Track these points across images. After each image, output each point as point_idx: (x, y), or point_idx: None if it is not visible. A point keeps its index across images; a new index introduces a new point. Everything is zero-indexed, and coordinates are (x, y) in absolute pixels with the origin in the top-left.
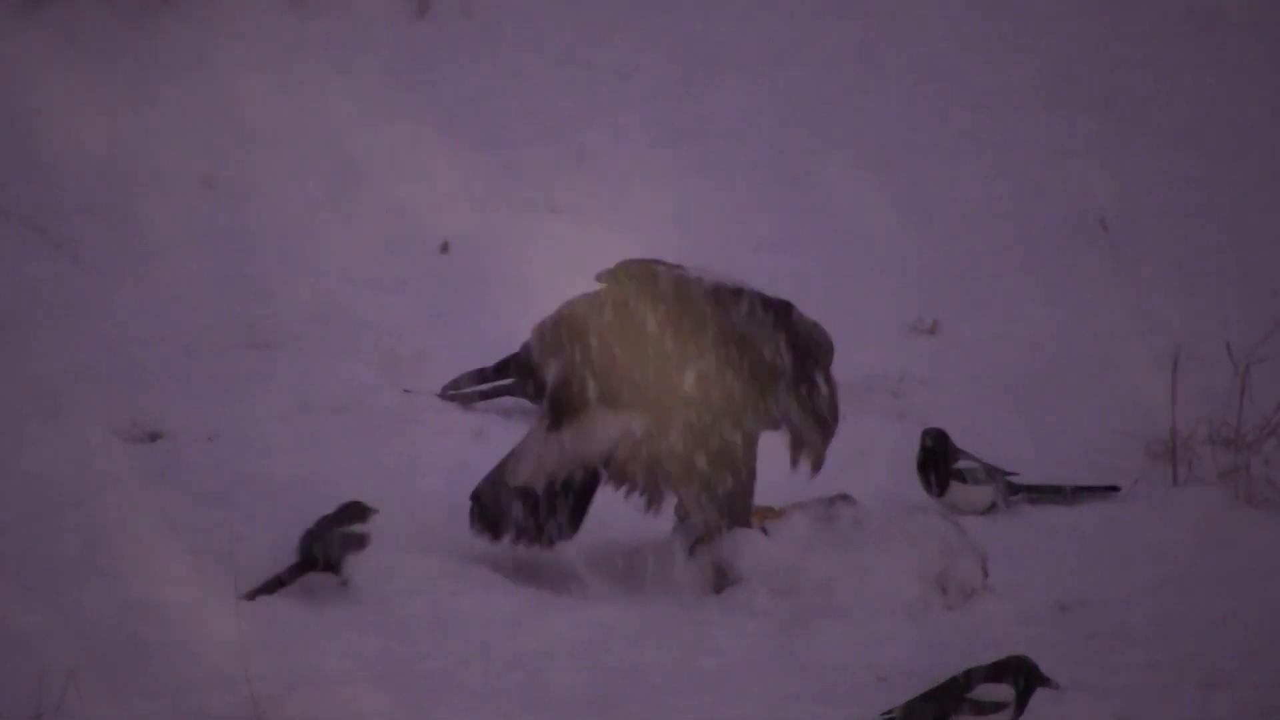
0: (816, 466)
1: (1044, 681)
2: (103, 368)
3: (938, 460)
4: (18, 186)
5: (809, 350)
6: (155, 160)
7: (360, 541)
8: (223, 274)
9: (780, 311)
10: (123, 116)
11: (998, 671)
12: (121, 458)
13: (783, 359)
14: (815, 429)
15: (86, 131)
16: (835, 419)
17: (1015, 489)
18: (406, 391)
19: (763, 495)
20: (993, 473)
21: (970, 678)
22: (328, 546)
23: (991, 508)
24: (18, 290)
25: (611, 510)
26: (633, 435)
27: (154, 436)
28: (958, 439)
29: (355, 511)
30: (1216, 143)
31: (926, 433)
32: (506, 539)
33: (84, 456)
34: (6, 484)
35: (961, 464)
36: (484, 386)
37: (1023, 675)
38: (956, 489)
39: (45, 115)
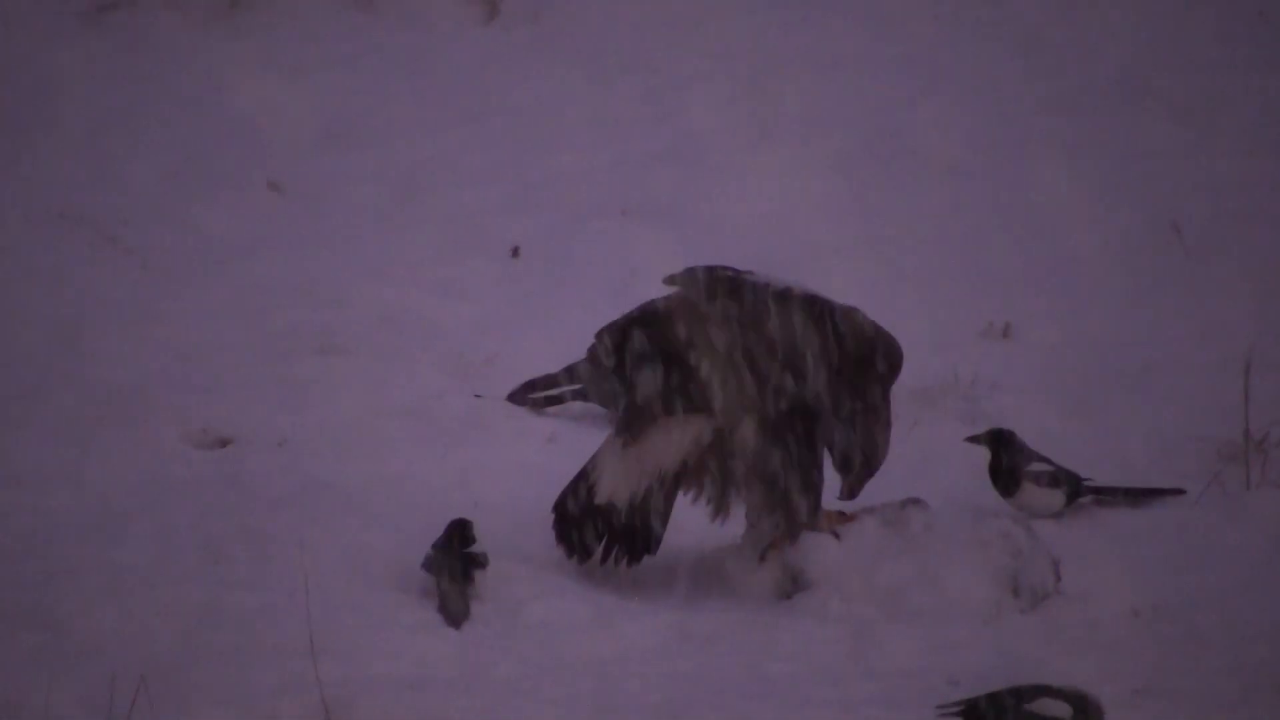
0: (850, 494)
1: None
2: (173, 374)
3: (1009, 461)
4: (87, 193)
5: (874, 360)
6: (224, 166)
7: (483, 560)
8: (292, 280)
9: (849, 318)
10: (191, 122)
11: (1063, 694)
12: (192, 464)
13: (849, 367)
14: (860, 454)
15: (155, 138)
16: (881, 456)
17: (1082, 491)
18: (477, 397)
19: (833, 500)
20: (1063, 476)
21: (1034, 691)
22: (452, 569)
23: (1061, 511)
24: (88, 297)
25: (683, 516)
26: (702, 442)
27: (224, 442)
28: (1030, 442)
29: (466, 531)
30: None
31: (996, 434)
32: (596, 558)
33: (155, 462)
34: (78, 490)
35: (1034, 466)
36: (553, 391)
37: (1086, 710)
38: (1028, 490)
39: (114, 122)
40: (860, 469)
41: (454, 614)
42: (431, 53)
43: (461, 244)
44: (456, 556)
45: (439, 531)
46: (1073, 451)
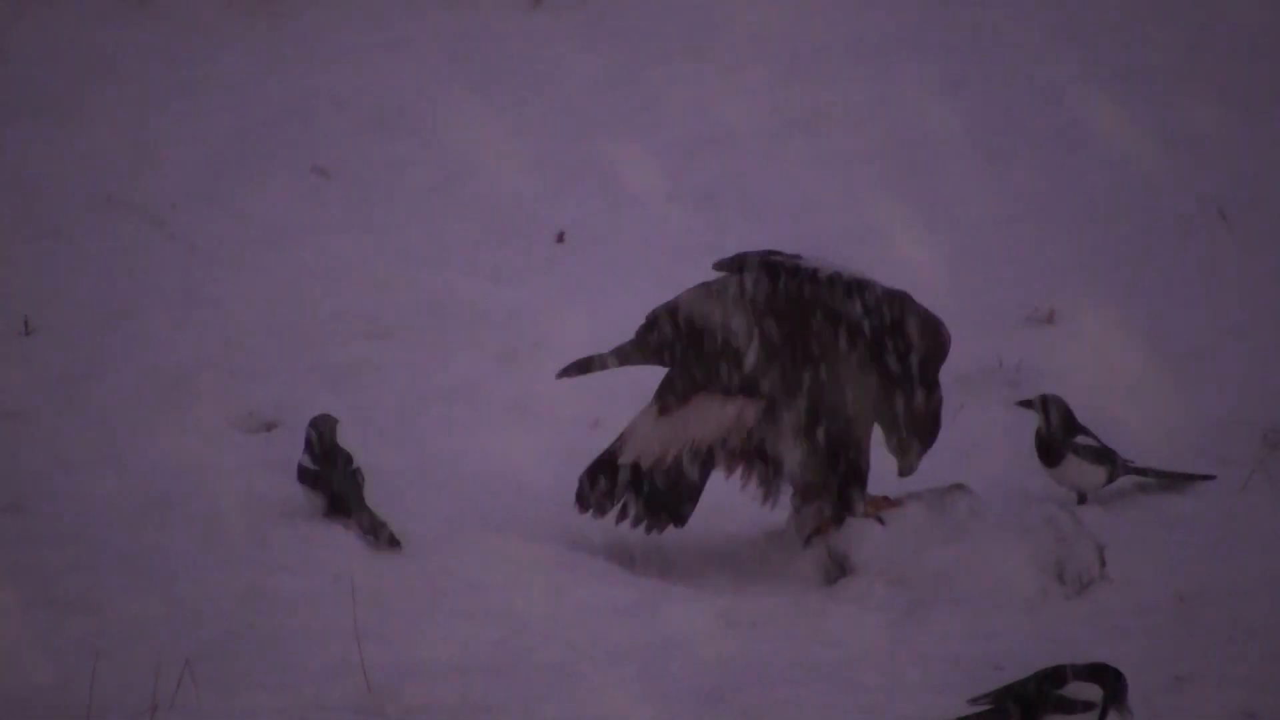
0: (906, 471)
1: (1122, 704)
2: (219, 358)
3: (1056, 431)
4: (135, 178)
5: (924, 344)
6: (270, 150)
7: (361, 476)
8: (338, 265)
9: (898, 303)
10: (237, 107)
11: (1093, 674)
12: (239, 448)
13: (897, 351)
14: (915, 433)
15: (202, 122)
16: (936, 428)
17: (1121, 469)
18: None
19: (877, 485)
20: (1106, 453)
21: (1064, 674)
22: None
23: (1100, 488)
24: (135, 280)
25: (727, 500)
26: (746, 423)
27: (270, 426)
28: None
29: (332, 434)
30: None
31: (1048, 400)
32: (611, 517)
33: (201, 446)
34: (125, 474)
35: (1080, 439)
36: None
37: (1112, 686)
38: (1071, 463)
39: (161, 106)
40: (917, 445)
41: (391, 535)
42: (477, 37)
43: (507, 229)
44: (346, 472)
45: (483, 515)
46: (1116, 437)
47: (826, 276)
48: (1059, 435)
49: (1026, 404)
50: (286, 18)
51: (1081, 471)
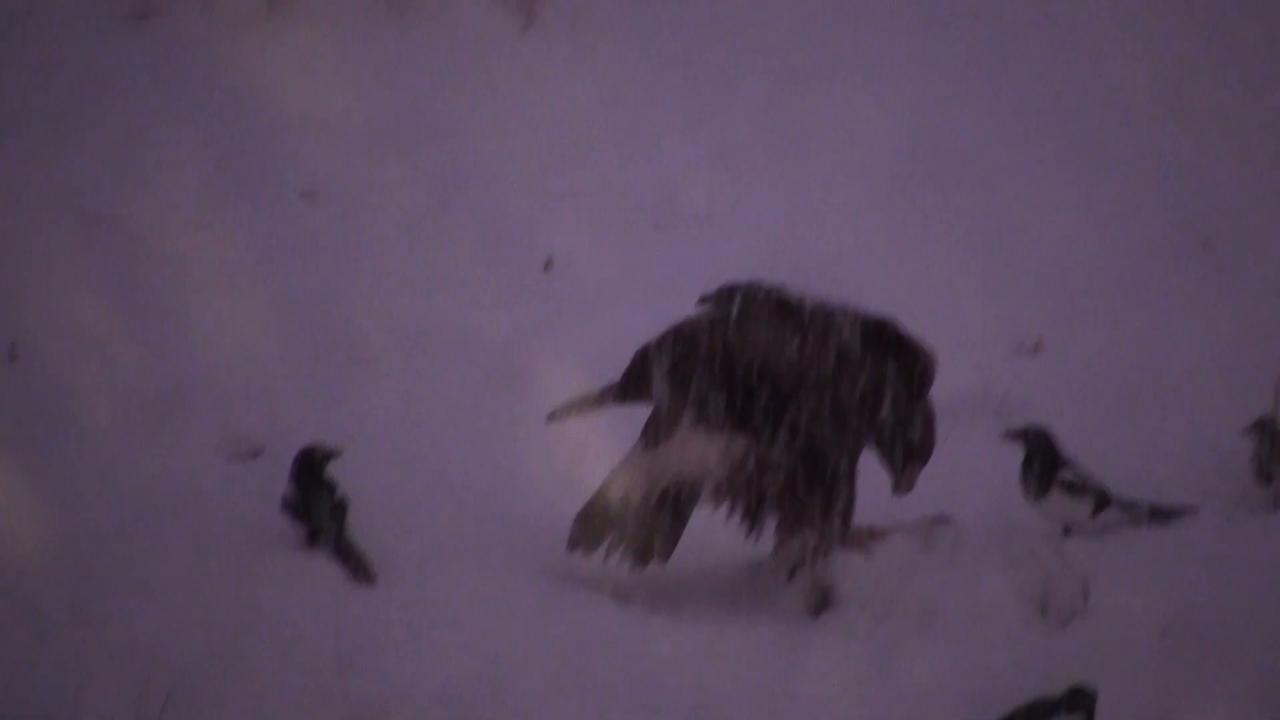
0: (903, 489)
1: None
2: (206, 382)
3: (1041, 464)
4: (124, 198)
5: (910, 371)
6: (259, 173)
7: (347, 503)
8: (325, 288)
9: (882, 330)
10: (226, 128)
11: (1065, 702)
12: (225, 472)
13: (883, 379)
14: (908, 454)
15: (190, 143)
16: (930, 446)
17: (1109, 503)
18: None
19: (862, 516)
20: (1092, 486)
21: (1045, 709)
22: (335, 525)
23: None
24: (123, 304)
25: (712, 532)
26: (732, 456)
27: (256, 452)
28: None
29: (323, 463)
30: None
31: (1033, 432)
32: (599, 554)
33: (186, 471)
34: (109, 498)
35: (1064, 474)
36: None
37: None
38: (1055, 497)
39: (150, 127)
40: (913, 463)
41: (367, 570)
42: (467, 60)
43: (496, 254)
44: (330, 504)
45: (469, 544)
46: (1104, 466)
47: (810, 306)
48: (1045, 468)
49: (1013, 436)
50: (275, 41)
51: (1066, 505)
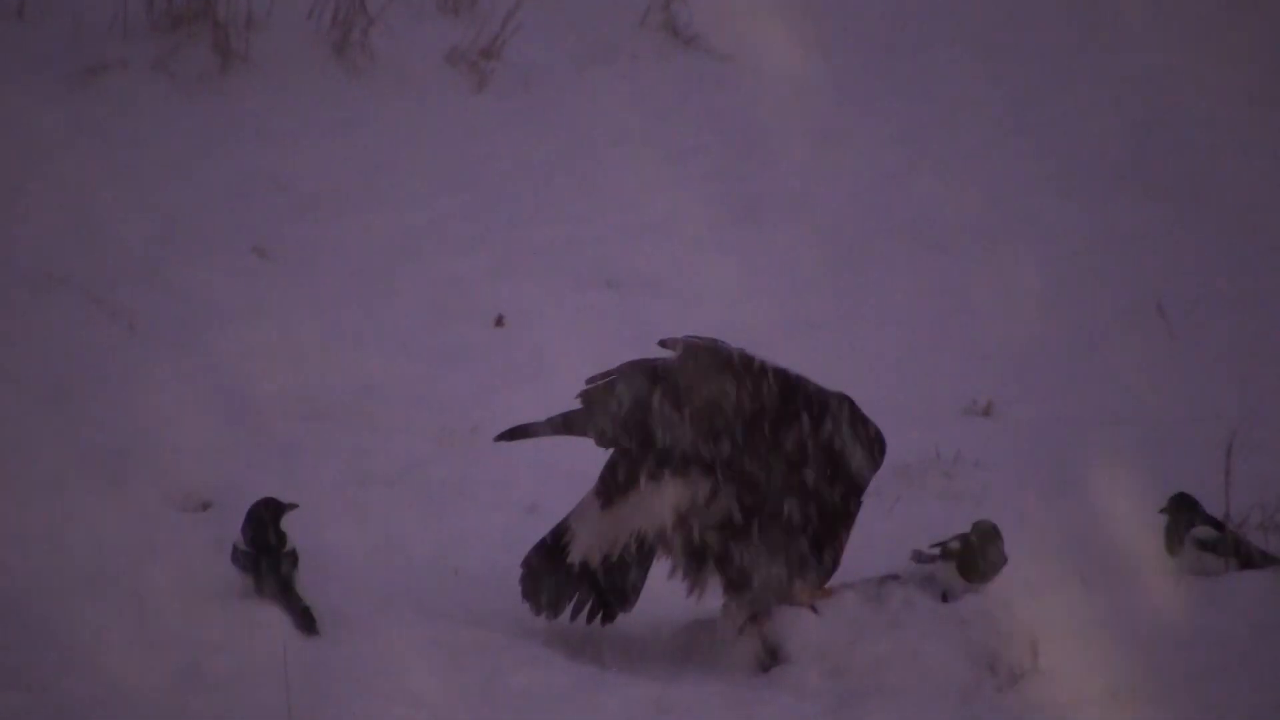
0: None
1: None
2: (156, 436)
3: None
4: (74, 255)
5: (861, 454)
6: (210, 230)
7: (295, 558)
8: (277, 345)
9: (840, 407)
10: (178, 186)
11: None
12: (174, 526)
13: (834, 459)
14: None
15: (142, 201)
16: (835, 563)
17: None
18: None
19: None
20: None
21: None
22: (282, 576)
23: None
24: (73, 358)
25: (662, 587)
26: (682, 509)
27: (205, 505)
28: (1010, 521)
29: (276, 518)
30: (1275, 227)
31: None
32: (565, 616)
33: (137, 525)
34: (58, 551)
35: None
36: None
37: None
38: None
39: (102, 184)
40: (825, 567)
41: (309, 621)
42: (421, 120)
43: (448, 312)
44: (278, 557)
45: (419, 597)
46: (1053, 531)
47: (769, 370)
48: (988, 558)
49: (954, 539)
50: (229, 99)
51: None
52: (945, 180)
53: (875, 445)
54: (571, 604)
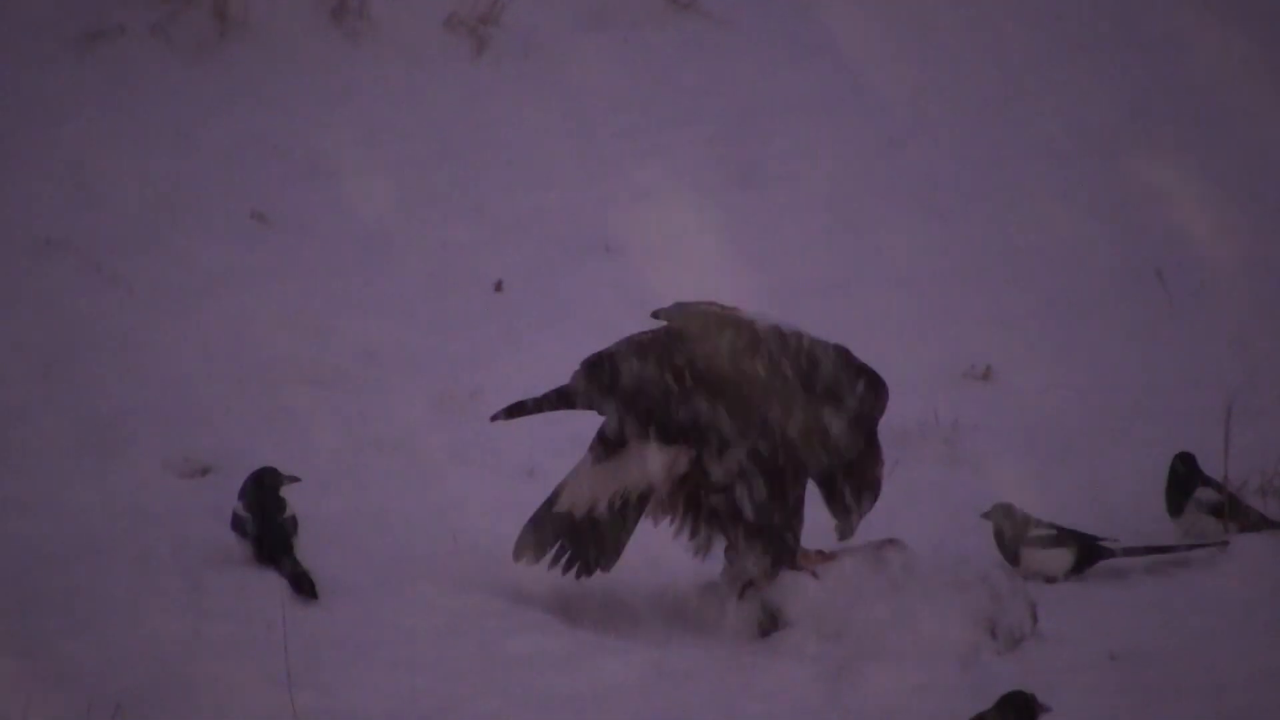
0: (845, 534)
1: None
2: (155, 402)
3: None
4: (73, 221)
5: (862, 398)
6: (209, 195)
7: (295, 525)
8: (275, 310)
9: (836, 357)
10: (177, 151)
11: (1003, 712)
12: (173, 492)
13: (835, 404)
14: (855, 495)
15: (141, 166)
16: (877, 490)
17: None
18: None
19: (812, 539)
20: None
21: None
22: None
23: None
24: (71, 325)
25: (662, 552)
26: (678, 471)
27: (205, 471)
28: (1008, 486)
29: (275, 485)
30: (1275, 194)
31: (1001, 508)
32: (545, 562)
33: (136, 490)
34: (58, 517)
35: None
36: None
37: (1025, 711)
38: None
39: (101, 150)
40: (857, 508)
41: (308, 586)
42: (419, 86)
43: (446, 278)
44: (276, 523)
45: (419, 563)
46: (1052, 496)
47: (764, 328)
48: (1018, 536)
49: (986, 516)
50: (228, 65)
51: (1042, 559)
52: (945, 146)
53: (878, 386)
54: (551, 552)
